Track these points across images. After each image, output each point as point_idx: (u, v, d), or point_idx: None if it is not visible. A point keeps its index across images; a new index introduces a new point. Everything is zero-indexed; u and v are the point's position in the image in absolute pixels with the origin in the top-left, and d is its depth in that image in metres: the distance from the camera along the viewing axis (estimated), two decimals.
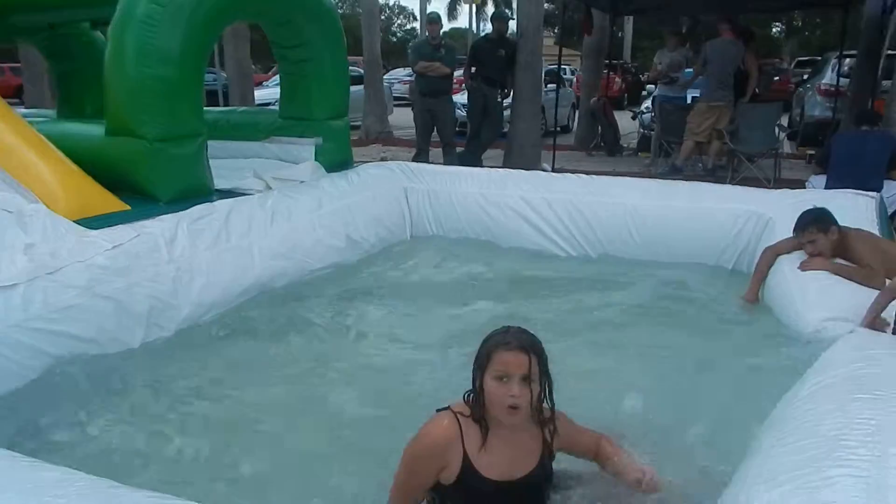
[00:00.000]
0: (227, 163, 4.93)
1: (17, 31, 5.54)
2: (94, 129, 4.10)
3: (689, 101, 9.21)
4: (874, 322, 2.69)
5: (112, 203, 3.65)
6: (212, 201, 3.97)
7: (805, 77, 14.80)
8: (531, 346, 1.77)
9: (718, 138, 7.90)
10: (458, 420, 1.84)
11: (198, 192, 4.07)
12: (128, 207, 3.70)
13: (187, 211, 3.68)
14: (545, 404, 1.87)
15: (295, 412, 2.74)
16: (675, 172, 7.84)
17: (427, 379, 2.94)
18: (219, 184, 4.37)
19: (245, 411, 2.74)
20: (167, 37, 3.69)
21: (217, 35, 4.32)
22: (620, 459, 1.90)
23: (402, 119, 13.87)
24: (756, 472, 1.69)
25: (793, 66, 21.33)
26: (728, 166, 8.14)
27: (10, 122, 3.57)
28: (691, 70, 9.02)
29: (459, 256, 4.74)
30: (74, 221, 3.30)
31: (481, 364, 1.79)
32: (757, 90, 8.69)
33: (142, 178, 3.88)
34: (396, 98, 16.67)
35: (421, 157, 8.34)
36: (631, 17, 18.87)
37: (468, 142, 8.87)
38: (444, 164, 7.93)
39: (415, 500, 1.92)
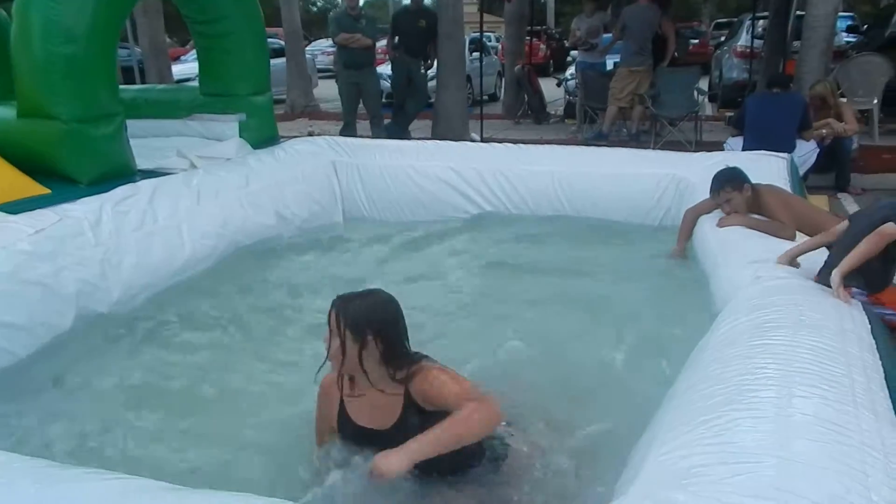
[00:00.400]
0: (148, 142, 4.83)
1: None
2: (5, 111, 3.95)
3: (609, 67, 9.45)
4: (791, 262, 2.86)
5: (30, 187, 3.57)
6: (135, 182, 3.90)
7: (723, 39, 15.21)
8: (340, 302, 1.95)
9: (640, 103, 8.13)
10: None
11: (120, 172, 4.00)
12: (47, 191, 3.61)
13: (110, 192, 3.62)
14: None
15: (235, 389, 2.79)
16: (600, 138, 8.05)
17: None
18: (141, 164, 4.29)
19: (187, 389, 2.78)
20: (74, 14, 3.57)
21: (127, 11, 4.20)
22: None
23: (329, 92, 13.66)
24: (669, 418, 1.81)
25: (711, 28, 21.92)
26: (651, 131, 8.37)
27: None
28: (610, 35, 9.22)
29: (391, 229, 4.81)
30: None
31: None
32: (676, 54, 8.92)
33: (60, 160, 3.78)
34: (321, 70, 16.37)
35: (348, 130, 8.31)
36: None
37: (394, 114, 8.89)
38: (372, 136, 7.94)
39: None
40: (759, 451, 1.42)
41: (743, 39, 11.29)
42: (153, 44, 10.80)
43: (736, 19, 15.40)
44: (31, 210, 3.29)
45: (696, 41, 18.42)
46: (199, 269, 3.87)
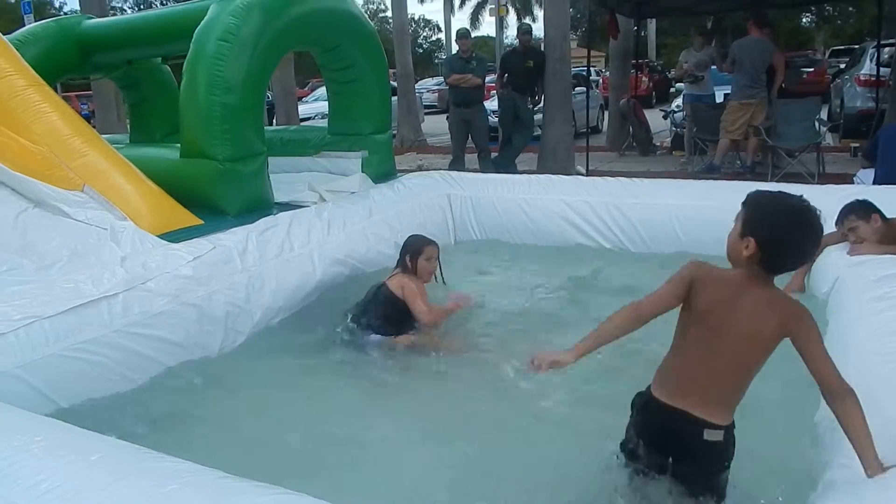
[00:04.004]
0: (281, 177, 5.26)
1: (99, 68, 6.06)
2: (170, 153, 4.49)
3: (719, 99, 9.30)
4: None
5: (188, 218, 4.00)
6: (273, 213, 4.28)
7: (842, 67, 14.51)
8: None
9: (756, 135, 7.92)
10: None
11: (261, 205, 4.40)
12: (201, 222, 4.03)
13: (255, 223, 3.98)
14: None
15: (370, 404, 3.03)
16: (712, 171, 7.90)
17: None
18: (277, 197, 4.69)
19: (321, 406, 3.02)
20: (233, 69, 4.05)
21: (276, 64, 4.70)
22: None
23: (433, 127, 14.20)
24: None
25: (827, 56, 20.95)
26: (768, 163, 8.08)
27: (100, 148, 3.96)
28: (714, 68, 9.10)
29: (502, 257, 4.98)
30: (157, 236, 3.65)
31: (416, 250, 3.67)
32: (783, 85, 8.65)
33: (213, 194, 4.23)
34: (426, 107, 17.06)
35: (457, 163, 8.63)
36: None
37: (501, 147, 9.14)
38: (480, 169, 8.21)
39: None
40: None
41: (867, 67, 10.76)
42: (284, 89, 11.73)
43: (857, 46, 14.67)
44: (187, 239, 3.69)
45: (811, 69, 17.64)
46: (327, 294, 4.19)
